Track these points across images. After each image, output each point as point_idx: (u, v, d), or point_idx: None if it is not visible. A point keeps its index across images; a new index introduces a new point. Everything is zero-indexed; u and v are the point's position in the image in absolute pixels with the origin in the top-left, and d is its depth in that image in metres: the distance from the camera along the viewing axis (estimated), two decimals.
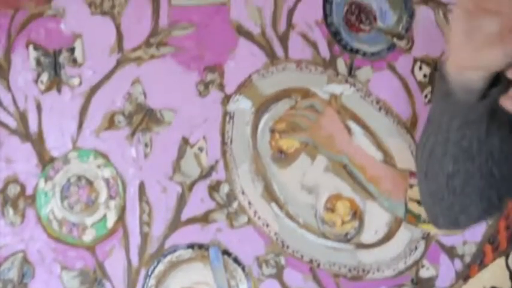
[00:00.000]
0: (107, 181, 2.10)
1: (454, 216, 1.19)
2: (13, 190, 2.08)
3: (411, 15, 2.11)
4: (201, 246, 2.10)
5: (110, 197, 2.09)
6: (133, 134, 2.10)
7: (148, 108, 2.10)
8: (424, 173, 1.20)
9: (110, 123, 2.10)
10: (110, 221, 2.09)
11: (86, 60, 2.09)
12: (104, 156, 2.10)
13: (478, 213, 1.19)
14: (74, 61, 2.09)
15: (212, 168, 2.11)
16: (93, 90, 2.09)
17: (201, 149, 2.11)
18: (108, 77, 2.10)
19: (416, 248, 2.15)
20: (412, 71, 2.13)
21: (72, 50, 2.09)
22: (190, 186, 2.10)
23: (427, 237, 2.15)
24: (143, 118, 2.11)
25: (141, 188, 2.09)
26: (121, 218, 2.09)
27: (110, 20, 2.10)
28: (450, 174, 1.15)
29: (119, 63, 2.10)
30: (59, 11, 2.09)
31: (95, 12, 2.10)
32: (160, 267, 2.10)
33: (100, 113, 2.10)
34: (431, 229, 2.11)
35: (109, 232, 2.09)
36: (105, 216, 2.09)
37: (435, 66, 2.12)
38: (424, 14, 2.11)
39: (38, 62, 2.09)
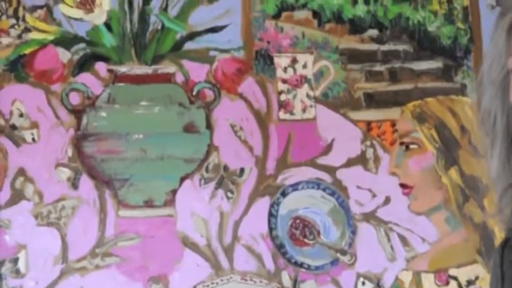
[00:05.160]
0: None
1: None
2: None
3: (354, 232, 2.16)
4: None
5: None
6: None
7: None
8: None
9: None
10: None
11: (28, 270, 2.07)
12: None
13: None
14: (17, 271, 2.07)
15: None
16: None
17: None
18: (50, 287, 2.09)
19: None
20: (356, 286, 2.15)
21: (15, 261, 2.08)
22: None
23: None
24: None
25: None
26: None
27: (55, 231, 2.11)
28: None
29: (62, 274, 2.09)
30: (4, 222, 2.09)
31: (41, 224, 2.11)
32: None
33: None
34: None
35: None
36: None
37: (378, 282, 2.14)
38: (366, 230, 2.16)
39: None
